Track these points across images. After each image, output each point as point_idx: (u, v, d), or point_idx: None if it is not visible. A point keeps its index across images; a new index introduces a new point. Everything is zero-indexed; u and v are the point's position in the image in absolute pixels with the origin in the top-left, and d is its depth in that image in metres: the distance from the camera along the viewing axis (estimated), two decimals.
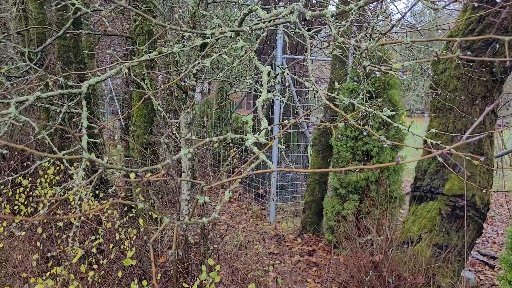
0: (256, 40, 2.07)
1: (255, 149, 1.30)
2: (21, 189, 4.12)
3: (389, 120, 1.77)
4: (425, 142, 4.90)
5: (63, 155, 2.21)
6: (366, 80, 3.53)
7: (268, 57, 7.19)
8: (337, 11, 1.36)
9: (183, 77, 3.07)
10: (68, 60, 5.61)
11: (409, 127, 1.75)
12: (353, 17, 1.59)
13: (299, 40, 2.51)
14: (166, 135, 2.46)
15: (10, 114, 1.78)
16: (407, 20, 3.96)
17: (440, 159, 1.72)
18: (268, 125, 1.56)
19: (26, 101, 1.89)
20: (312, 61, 7.97)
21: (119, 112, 11.67)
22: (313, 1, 6.69)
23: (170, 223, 0.85)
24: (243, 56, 2.19)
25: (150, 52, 2.92)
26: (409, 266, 4.20)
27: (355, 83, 4.95)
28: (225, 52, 2.13)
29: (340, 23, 1.78)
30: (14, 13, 4.48)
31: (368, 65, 1.22)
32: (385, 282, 4.11)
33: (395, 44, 1.86)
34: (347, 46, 1.33)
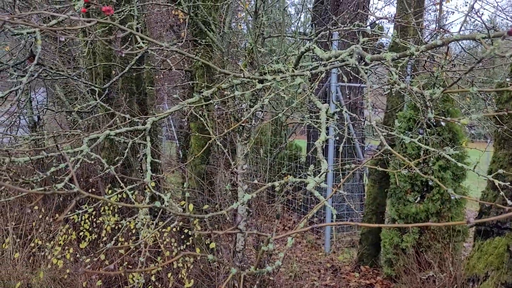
0: (315, 79, 2.10)
1: (317, 193, 1.32)
2: (86, 215, 4.34)
3: (453, 160, 1.73)
4: (490, 172, 4.68)
5: (129, 190, 2.33)
6: (425, 117, 3.45)
7: (322, 84, 7.22)
8: (397, 55, 1.37)
9: (241, 113, 3.16)
10: (131, 91, 5.92)
11: (474, 167, 1.70)
12: (413, 61, 1.59)
13: (353, 73, 2.52)
14: (230, 183, 2.53)
15: (83, 152, 1.92)
16: (467, 52, 3.85)
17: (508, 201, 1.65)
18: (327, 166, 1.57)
19: (97, 138, 2.03)
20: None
21: (176, 138, 12.05)
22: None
23: (237, 273, 0.89)
24: (300, 93, 2.24)
25: (209, 86, 3.04)
26: None
27: (420, 134, 4.79)
28: (283, 90, 2.18)
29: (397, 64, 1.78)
30: (86, 53, 4.83)
31: (434, 116, 1.22)
32: None
33: (460, 92, 1.83)
34: (409, 90, 1.33)
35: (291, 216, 7.75)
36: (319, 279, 5.45)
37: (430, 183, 5.06)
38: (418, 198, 5.20)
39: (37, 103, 5.97)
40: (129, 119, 2.48)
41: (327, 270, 5.83)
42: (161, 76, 9.73)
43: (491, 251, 4.33)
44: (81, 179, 5.38)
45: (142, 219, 1.99)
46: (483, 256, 4.37)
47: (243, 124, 3.39)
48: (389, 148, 1.27)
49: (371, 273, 5.69)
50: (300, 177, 1.42)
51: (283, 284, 5.03)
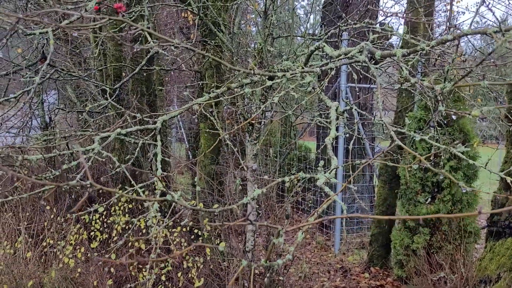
0: (325, 77, 2.10)
1: (327, 189, 1.32)
2: (97, 215, 4.37)
3: (463, 157, 1.71)
4: (501, 171, 4.63)
5: (140, 188, 2.35)
6: (436, 111, 3.43)
7: (332, 85, 7.20)
8: (407, 51, 1.37)
9: (251, 112, 3.16)
10: (141, 92, 5.96)
11: (486, 164, 1.69)
12: (422, 56, 1.59)
13: (363, 72, 2.52)
14: (241, 169, 2.53)
15: (94, 150, 1.93)
16: (478, 50, 3.82)
17: None
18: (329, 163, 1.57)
19: (108, 137, 2.04)
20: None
21: (185, 140, 12.09)
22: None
23: (247, 266, 0.89)
24: (310, 91, 2.24)
25: (218, 87, 3.05)
26: None
27: (431, 129, 4.73)
28: (293, 88, 2.19)
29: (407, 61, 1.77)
30: (96, 54, 4.87)
31: (444, 110, 1.21)
32: None
33: (472, 86, 1.81)
34: (419, 86, 1.32)
35: (301, 218, 7.73)
36: (328, 280, 5.43)
37: (441, 177, 5.01)
38: (429, 199, 5.16)
39: (49, 104, 6.03)
40: (139, 118, 2.50)
41: (337, 271, 5.80)
42: (171, 78, 9.78)
43: (504, 252, 4.28)
44: (92, 179, 5.42)
45: (153, 217, 2.00)
46: (495, 257, 4.32)
47: (253, 123, 3.39)
48: (400, 143, 1.26)
49: (381, 274, 5.65)
50: (310, 174, 1.42)
51: (293, 284, 5.02)
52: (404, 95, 5.77)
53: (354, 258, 6.22)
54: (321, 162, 1.40)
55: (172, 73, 9.44)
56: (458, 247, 5.05)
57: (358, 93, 7.37)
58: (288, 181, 1.28)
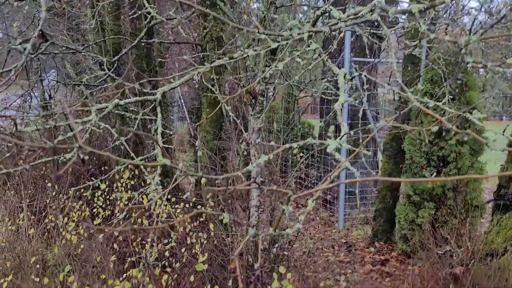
0: (333, 40, 1.98)
1: (338, 155, 1.22)
2: (99, 192, 4.31)
3: (480, 123, 1.61)
4: (510, 145, 4.53)
5: (140, 160, 2.26)
6: (447, 80, 3.31)
7: (335, 60, 7.05)
8: (425, 6, 1.25)
9: (256, 82, 3.05)
10: (141, 69, 5.83)
11: (504, 131, 1.59)
12: (436, 13, 1.47)
13: (373, 40, 2.39)
14: (243, 142, 2.44)
15: (91, 121, 1.84)
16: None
17: None
18: (346, 131, 1.47)
19: (106, 108, 1.95)
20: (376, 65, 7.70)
21: (187, 119, 11.98)
22: None
23: (256, 235, 0.81)
24: (316, 58, 2.12)
25: (220, 59, 2.94)
26: (494, 280, 3.88)
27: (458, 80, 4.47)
28: (298, 55, 2.07)
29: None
30: (93, 25, 4.73)
31: (472, 61, 1.10)
32: None
33: (500, 38, 1.69)
34: (434, 42, 1.22)
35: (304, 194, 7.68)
36: (333, 255, 5.40)
37: (450, 125, 4.91)
38: (434, 173, 5.08)
39: (48, 82, 5.92)
40: (138, 89, 2.39)
41: (341, 246, 5.77)
42: (171, 55, 9.62)
43: (511, 225, 4.22)
44: (93, 157, 5.34)
45: (154, 190, 1.92)
46: (502, 230, 4.26)
47: (256, 96, 3.29)
48: (418, 104, 1.16)
49: (385, 249, 5.62)
50: (321, 142, 1.32)
51: (297, 259, 4.98)
52: (409, 68, 5.62)
53: (358, 234, 6.19)
54: (331, 128, 1.30)
55: (172, 50, 9.27)
56: (463, 221, 4.98)
57: (362, 69, 7.21)
58: (296, 147, 1.19)
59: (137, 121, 2.30)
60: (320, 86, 2.39)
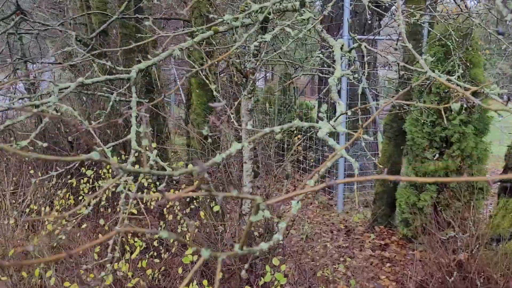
0: (329, 3, 1.71)
1: (331, 141, 0.97)
2: (85, 179, 4.07)
3: (497, 98, 1.36)
4: None
5: (113, 145, 2.00)
6: (457, 53, 3.04)
7: (334, 38, 6.73)
8: None
9: (241, 56, 2.77)
10: (130, 49, 5.53)
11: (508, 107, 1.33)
12: None
13: (377, 10, 2.12)
14: (214, 123, 2.19)
15: (49, 103, 1.58)
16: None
17: None
18: (343, 110, 1.21)
19: (68, 88, 1.68)
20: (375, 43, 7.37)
21: (184, 102, 11.67)
22: None
23: (214, 256, 0.57)
24: (309, 29, 1.84)
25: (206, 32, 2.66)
26: (501, 266, 3.67)
27: (500, 35, 4.01)
28: (289, 25, 1.80)
29: None
30: (78, 4, 4.42)
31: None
32: (472, 285, 3.62)
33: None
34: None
35: (302, 177, 7.45)
36: (331, 240, 5.20)
37: (457, 106, 4.66)
38: (437, 155, 4.84)
39: (33, 65, 5.62)
40: (112, 66, 2.12)
41: (340, 231, 5.57)
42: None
43: None
44: (82, 142, 5.09)
45: (125, 182, 1.68)
46: (508, 214, 4.04)
47: (247, 75, 3.02)
48: (434, 75, 0.91)
49: (386, 233, 5.42)
50: (310, 125, 1.07)
51: (294, 245, 4.78)
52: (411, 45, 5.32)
53: (358, 217, 5.97)
54: (324, 106, 1.05)
55: (168, 29, 8.93)
56: (467, 204, 4.76)
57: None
58: (279, 132, 0.94)
59: (110, 103, 2.04)
60: (312, 59, 2.12)
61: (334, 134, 6.93)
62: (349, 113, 1.02)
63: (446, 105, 0.93)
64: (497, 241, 4.02)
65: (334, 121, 1.05)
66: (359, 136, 1.06)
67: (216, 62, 3.72)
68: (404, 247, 5.07)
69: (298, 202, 0.78)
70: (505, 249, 3.84)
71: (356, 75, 1.94)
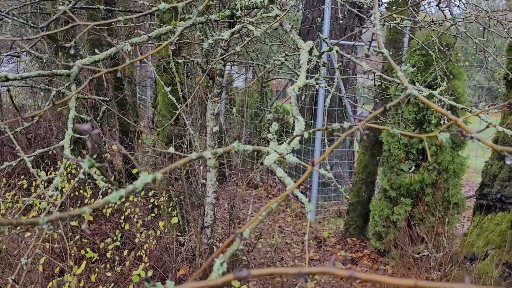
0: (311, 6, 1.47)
1: (280, 172, 0.73)
2: (38, 181, 3.74)
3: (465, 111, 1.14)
4: (495, 141, 4.13)
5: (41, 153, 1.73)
6: (440, 64, 2.84)
7: (314, 41, 6.53)
8: None
9: (209, 55, 2.52)
10: (99, 43, 5.21)
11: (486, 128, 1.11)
12: None
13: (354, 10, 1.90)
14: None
15: None
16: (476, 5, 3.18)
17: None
18: (306, 126, 0.97)
19: None
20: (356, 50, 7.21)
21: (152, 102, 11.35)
22: None
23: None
24: (276, 28, 1.60)
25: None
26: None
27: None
28: (252, 22, 1.55)
29: None
30: None
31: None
32: None
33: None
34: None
35: (276, 183, 7.22)
36: (302, 251, 4.97)
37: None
38: (413, 168, 4.67)
39: None
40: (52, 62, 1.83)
41: (311, 241, 5.35)
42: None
43: (493, 228, 3.84)
44: (39, 140, 4.74)
45: (50, 196, 1.40)
46: (483, 233, 3.88)
47: (213, 77, 2.77)
48: (416, 93, 0.68)
49: (358, 245, 5.23)
50: (256, 149, 0.83)
51: (263, 256, 4.54)
52: (391, 53, 5.15)
53: (330, 227, 5.77)
54: (274, 125, 0.81)
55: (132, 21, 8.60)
56: (441, 219, 4.61)
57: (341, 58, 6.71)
58: (210, 157, 0.69)
59: (48, 103, 1.75)
60: (271, 63, 1.89)
61: (310, 138, 6.72)
62: (306, 135, 0.79)
63: (430, 135, 0.69)
64: (470, 260, 3.86)
65: (288, 143, 0.81)
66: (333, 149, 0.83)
67: (184, 61, 3.45)
68: (375, 261, 4.88)
69: (249, 230, 0.54)
70: (479, 270, 3.68)
71: (322, 84, 1.70)
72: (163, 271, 2.94)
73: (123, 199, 3.43)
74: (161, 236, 3.30)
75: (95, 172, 1.54)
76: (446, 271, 3.74)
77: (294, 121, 0.92)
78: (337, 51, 1.38)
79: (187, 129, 3.37)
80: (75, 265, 2.92)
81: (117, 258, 3.29)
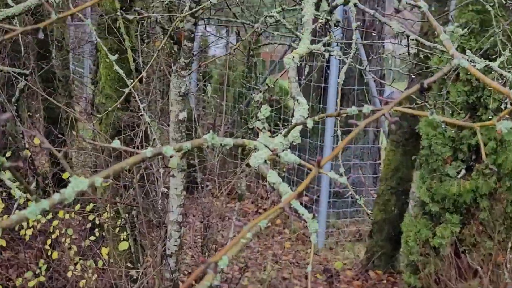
0: None
1: (274, 177, 0.74)
2: None
3: None
4: None
5: None
6: (501, 24, 2.88)
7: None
8: None
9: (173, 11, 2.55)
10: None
11: None
12: None
13: None
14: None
15: None
16: None
17: None
18: (312, 111, 0.97)
19: None
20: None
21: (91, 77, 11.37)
22: None
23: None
24: None
25: None
26: None
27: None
28: None
29: None
30: None
31: None
32: None
33: None
34: None
35: (269, 194, 7.29)
36: None
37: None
38: (463, 171, 4.74)
39: None
40: None
41: (319, 275, 5.45)
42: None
43: None
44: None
45: None
46: None
47: (179, 40, 2.81)
48: (464, 62, 0.70)
49: (384, 281, 5.35)
50: (242, 144, 0.84)
51: None
52: (433, 9, 5.24)
53: (345, 256, 5.88)
54: (265, 110, 0.80)
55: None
56: (502, 244, 4.72)
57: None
58: (174, 155, 0.70)
59: None
60: (263, 20, 1.89)
61: (317, 128, 6.76)
62: (311, 124, 0.79)
63: (486, 124, 0.71)
64: None
65: (285, 135, 0.81)
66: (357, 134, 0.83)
67: (138, 18, 3.46)
68: None
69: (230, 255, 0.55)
70: None
71: (335, 52, 1.72)
72: None
73: (49, 215, 3.47)
74: (104, 268, 3.34)
75: (7, 176, 1.52)
76: None
77: (294, 104, 0.93)
78: (355, 4, 1.40)
79: (141, 115, 3.41)
80: None
81: None
